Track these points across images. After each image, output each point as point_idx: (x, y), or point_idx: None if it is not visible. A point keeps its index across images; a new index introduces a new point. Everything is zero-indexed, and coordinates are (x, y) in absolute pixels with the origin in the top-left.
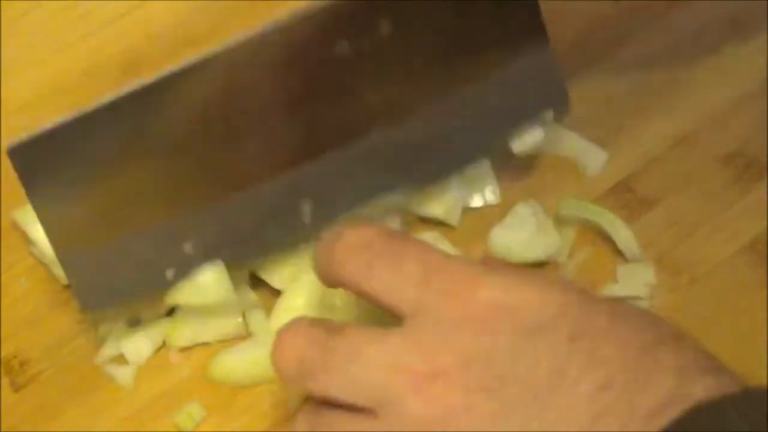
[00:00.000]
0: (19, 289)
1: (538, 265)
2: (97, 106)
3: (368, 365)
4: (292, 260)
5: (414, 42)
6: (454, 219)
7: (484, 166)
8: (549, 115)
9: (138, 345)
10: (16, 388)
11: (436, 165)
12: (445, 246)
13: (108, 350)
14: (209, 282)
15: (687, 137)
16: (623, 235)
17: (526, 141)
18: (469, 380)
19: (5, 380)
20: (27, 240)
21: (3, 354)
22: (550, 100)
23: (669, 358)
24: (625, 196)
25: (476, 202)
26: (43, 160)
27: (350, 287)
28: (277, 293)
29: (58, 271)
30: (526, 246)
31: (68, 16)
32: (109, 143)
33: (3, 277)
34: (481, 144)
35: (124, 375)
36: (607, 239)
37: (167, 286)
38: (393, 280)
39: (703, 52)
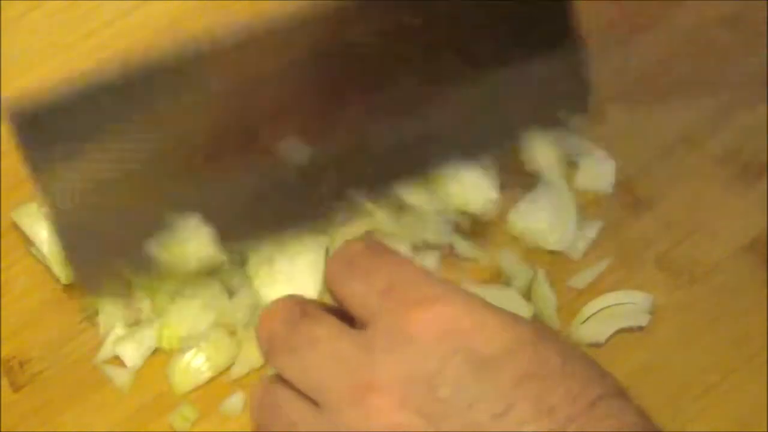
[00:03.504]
0: (19, 289)
1: (550, 255)
2: (104, 79)
3: (320, 360)
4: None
5: (442, 36)
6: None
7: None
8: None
9: (135, 347)
10: (16, 388)
11: (452, 157)
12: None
13: (106, 352)
14: (191, 235)
15: (687, 137)
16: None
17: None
18: (407, 400)
19: (5, 380)
20: (27, 240)
21: (3, 354)
22: (575, 103)
23: (613, 415)
24: (625, 196)
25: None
26: (44, 127)
27: (329, 291)
28: None
29: (59, 271)
30: (542, 233)
31: (68, 16)
32: (114, 114)
33: (3, 277)
34: (501, 138)
35: (121, 377)
36: None
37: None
38: (359, 289)
39: (703, 52)
